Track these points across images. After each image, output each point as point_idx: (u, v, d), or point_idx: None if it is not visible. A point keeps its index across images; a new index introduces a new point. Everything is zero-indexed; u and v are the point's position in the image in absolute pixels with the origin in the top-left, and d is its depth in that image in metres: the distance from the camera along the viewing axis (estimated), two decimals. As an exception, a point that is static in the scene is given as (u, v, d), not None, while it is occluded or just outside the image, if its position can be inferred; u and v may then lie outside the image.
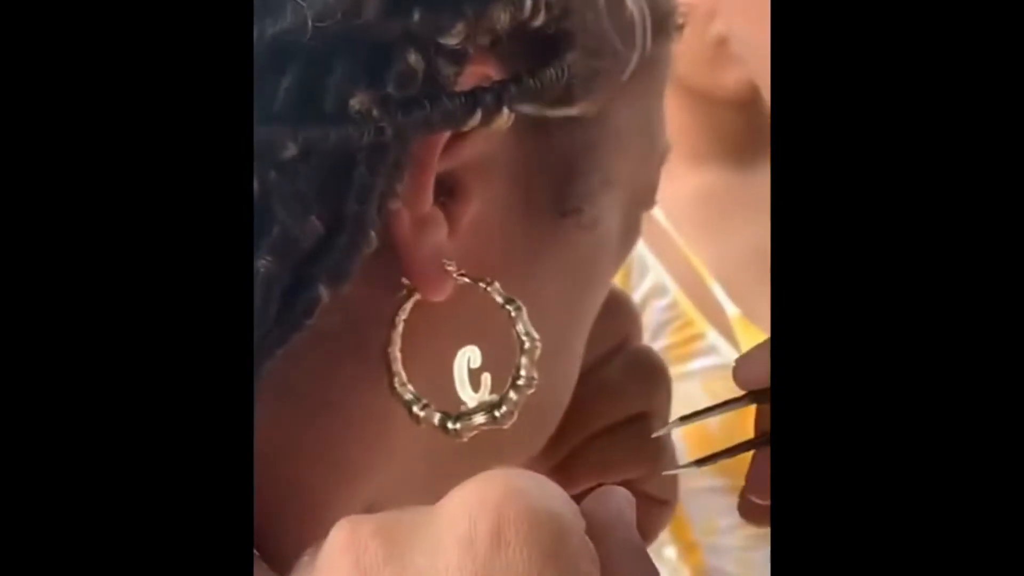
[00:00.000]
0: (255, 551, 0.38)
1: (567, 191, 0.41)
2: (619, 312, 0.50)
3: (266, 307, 0.35)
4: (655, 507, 0.51)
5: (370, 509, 0.39)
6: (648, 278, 1.07)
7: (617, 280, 0.97)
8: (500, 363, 0.39)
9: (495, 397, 0.39)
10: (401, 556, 0.30)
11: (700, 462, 0.41)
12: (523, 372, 0.38)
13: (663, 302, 1.10)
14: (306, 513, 0.39)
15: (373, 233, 0.36)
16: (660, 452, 0.50)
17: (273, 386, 0.36)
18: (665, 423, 0.51)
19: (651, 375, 0.51)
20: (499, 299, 0.39)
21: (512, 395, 0.38)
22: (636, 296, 1.07)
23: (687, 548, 1.11)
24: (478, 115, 0.36)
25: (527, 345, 0.38)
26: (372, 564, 0.30)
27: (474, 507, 0.30)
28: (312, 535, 0.39)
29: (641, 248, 1.08)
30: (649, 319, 1.08)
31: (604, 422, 0.50)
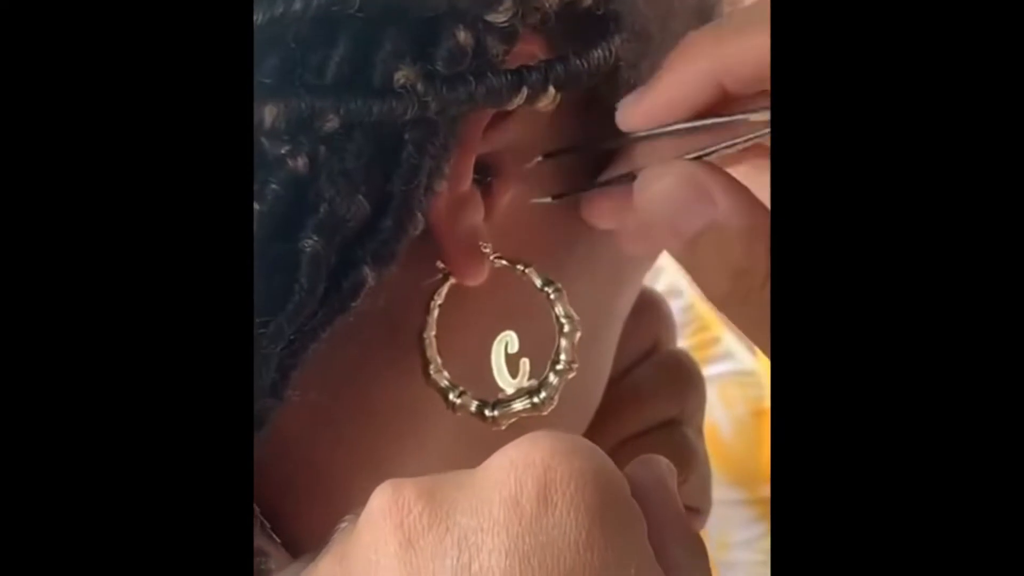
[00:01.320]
0: (273, 534, 0.37)
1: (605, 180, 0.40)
2: (651, 313, 0.50)
3: (313, 288, 0.34)
4: (690, 517, 0.50)
5: None
6: (662, 279, 1.06)
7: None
8: (538, 348, 0.38)
9: (534, 382, 0.38)
10: (446, 517, 0.30)
11: (557, 197, 0.39)
12: (563, 355, 0.38)
13: (678, 304, 1.08)
14: (329, 497, 0.39)
15: (420, 215, 0.36)
16: (692, 459, 0.49)
17: (304, 369, 0.36)
18: (698, 429, 0.49)
19: (684, 379, 0.50)
20: (538, 281, 0.38)
21: (552, 379, 0.38)
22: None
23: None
24: (523, 94, 0.36)
25: (567, 328, 0.38)
26: (416, 526, 0.30)
27: (520, 468, 0.30)
28: (334, 520, 0.38)
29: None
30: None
31: (635, 427, 0.49)
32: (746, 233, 0.35)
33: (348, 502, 0.39)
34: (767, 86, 0.34)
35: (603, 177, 0.39)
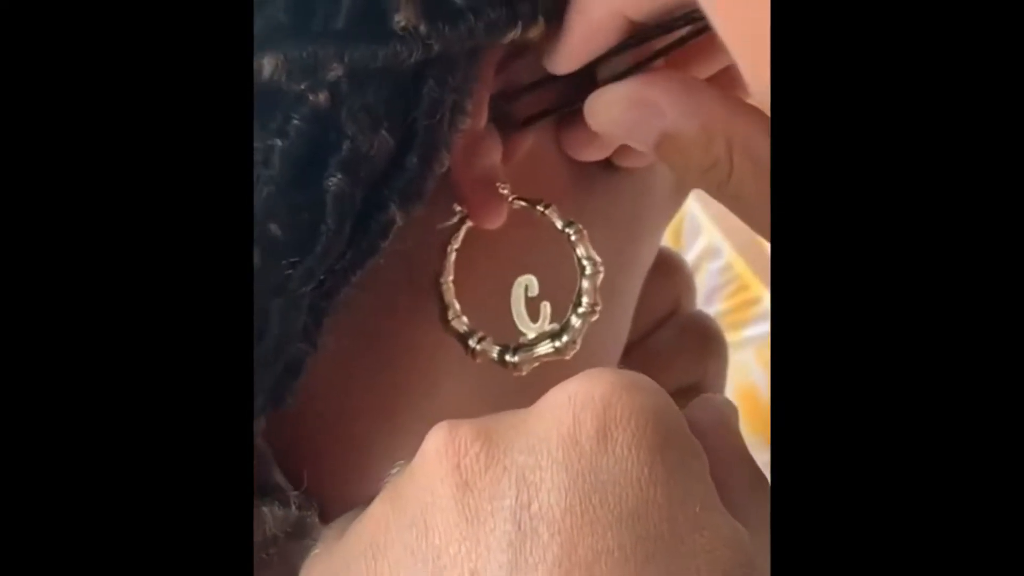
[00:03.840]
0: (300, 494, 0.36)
1: None
2: (671, 274, 0.49)
3: (340, 228, 0.33)
4: None
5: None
6: (701, 239, 1.04)
7: (668, 241, 0.95)
8: (559, 292, 0.37)
9: (555, 326, 0.37)
10: (503, 457, 0.29)
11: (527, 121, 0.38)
12: (585, 298, 0.36)
13: (717, 264, 1.07)
14: (349, 445, 0.38)
15: (445, 151, 0.35)
16: None
17: (337, 315, 0.35)
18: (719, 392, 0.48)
19: (706, 343, 0.49)
20: (559, 222, 0.37)
21: (574, 322, 0.36)
22: (688, 258, 1.05)
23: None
24: (519, 26, 0.34)
25: (589, 270, 0.36)
26: (473, 467, 0.29)
27: (579, 404, 0.29)
28: (354, 468, 0.37)
29: (693, 206, 1.05)
30: (702, 282, 1.05)
31: None
32: (701, 135, 0.34)
33: (371, 453, 0.38)
34: (672, 12, 0.34)
35: (554, 110, 0.38)
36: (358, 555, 0.30)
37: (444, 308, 0.37)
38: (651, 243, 0.45)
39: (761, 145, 0.36)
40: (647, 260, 0.45)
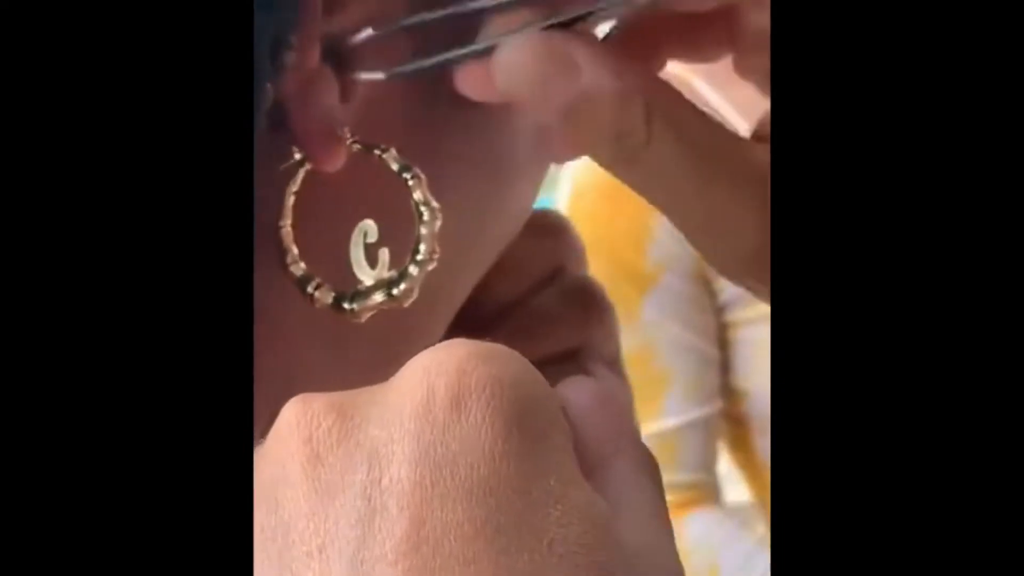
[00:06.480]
0: None
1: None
2: (553, 235, 0.48)
3: None
4: None
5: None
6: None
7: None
8: (399, 238, 0.36)
9: (394, 273, 0.36)
10: (357, 431, 0.28)
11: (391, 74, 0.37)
12: (423, 245, 0.36)
13: None
14: None
15: (269, 85, 0.34)
16: None
17: None
18: (611, 359, 0.48)
19: (588, 306, 0.48)
20: (395, 166, 0.36)
21: (412, 270, 0.36)
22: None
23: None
24: None
25: (426, 216, 0.36)
26: (325, 440, 0.28)
27: (433, 374, 0.28)
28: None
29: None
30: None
31: (535, 354, 0.47)
32: (618, 96, 0.34)
33: None
34: None
35: (455, 52, 0.37)
36: None
37: (283, 253, 0.36)
38: (520, 190, 0.44)
39: (686, 117, 0.35)
40: (515, 208, 0.44)
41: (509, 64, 0.34)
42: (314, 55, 0.35)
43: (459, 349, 0.29)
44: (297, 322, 0.38)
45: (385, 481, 0.27)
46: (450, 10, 0.36)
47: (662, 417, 1.29)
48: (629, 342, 1.19)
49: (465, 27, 0.37)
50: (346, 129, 0.36)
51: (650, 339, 1.29)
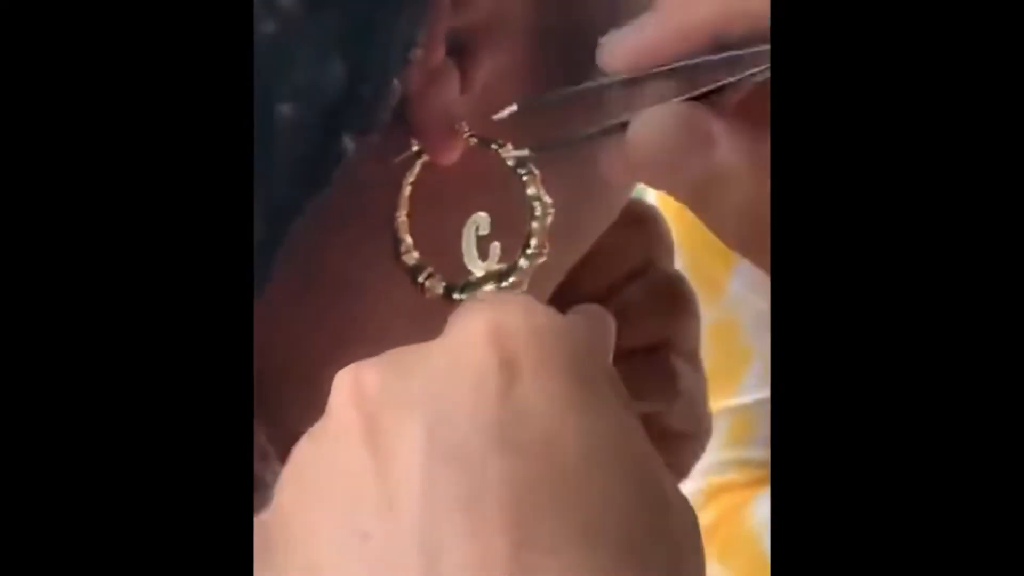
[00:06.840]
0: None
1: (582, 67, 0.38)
2: (644, 228, 0.48)
3: (291, 159, 0.33)
4: (681, 441, 0.48)
5: None
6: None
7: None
8: (511, 231, 0.37)
9: (503, 266, 0.37)
10: (404, 391, 0.29)
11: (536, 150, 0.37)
12: (534, 239, 0.37)
13: None
14: (306, 379, 0.38)
15: (397, 82, 0.34)
16: (672, 385, 0.47)
17: (288, 247, 0.35)
18: (690, 355, 0.48)
19: (676, 301, 0.48)
20: (511, 162, 0.36)
21: (522, 263, 0.37)
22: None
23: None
24: None
25: (538, 211, 0.36)
26: (378, 400, 0.29)
27: (483, 335, 0.30)
28: (311, 401, 0.38)
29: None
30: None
31: (620, 347, 0.48)
32: (751, 174, 0.33)
33: (322, 390, 0.39)
34: (765, 44, 0.33)
35: (594, 128, 0.36)
36: (285, 483, 0.31)
37: (397, 243, 0.37)
38: (615, 188, 0.44)
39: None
40: (615, 199, 0.44)
41: (647, 132, 0.34)
42: (440, 52, 0.35)
43: (509, 305, 0.31)
44: (410, 313, 0.39)
45: (444, 447, 0.28)
46: (585, 85, 0.36)
47: (742, 392, 1.28)
48: (714, 315, 1.19)
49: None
50: (463, 123, 0.36)
51: (735, 314, 1.28)
